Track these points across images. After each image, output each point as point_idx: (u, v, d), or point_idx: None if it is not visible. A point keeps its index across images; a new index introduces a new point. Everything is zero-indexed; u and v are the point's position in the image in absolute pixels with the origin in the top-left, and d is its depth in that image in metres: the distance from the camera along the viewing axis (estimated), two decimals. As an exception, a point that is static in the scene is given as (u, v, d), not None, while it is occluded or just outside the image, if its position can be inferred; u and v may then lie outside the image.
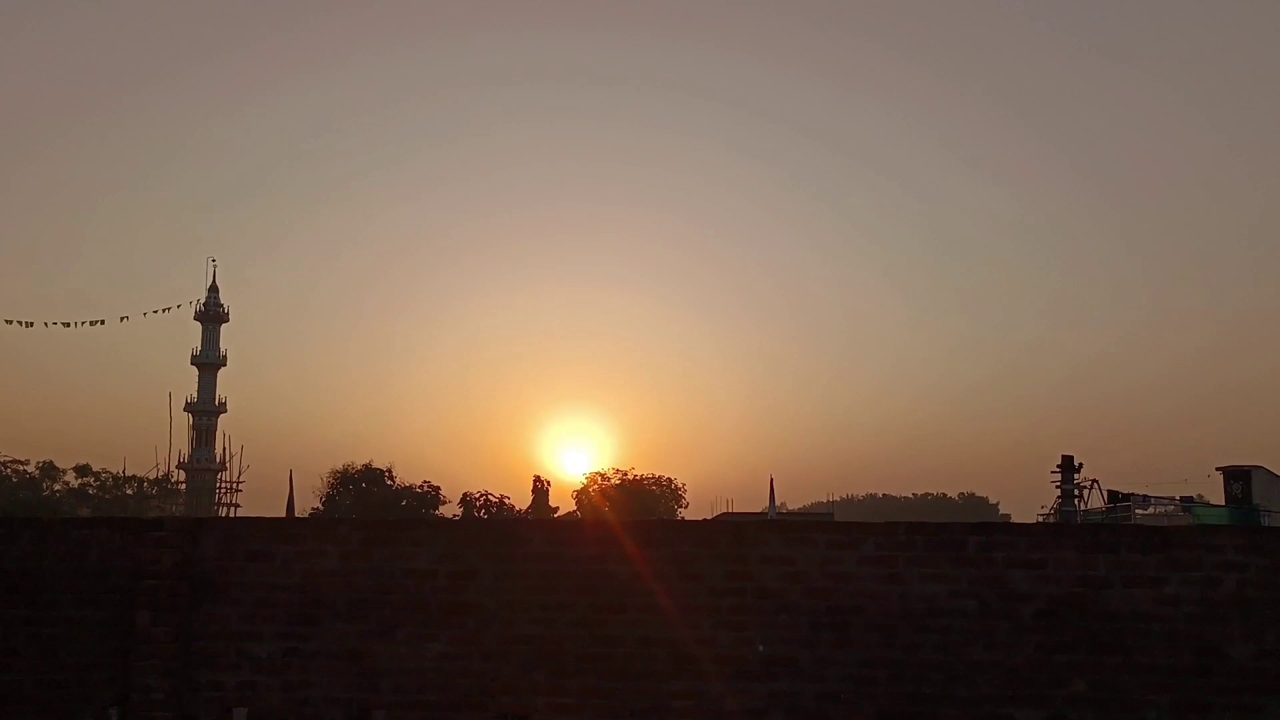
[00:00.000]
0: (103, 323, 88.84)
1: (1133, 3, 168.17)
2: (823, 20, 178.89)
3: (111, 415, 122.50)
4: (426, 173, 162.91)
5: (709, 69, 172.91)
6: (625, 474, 70.04)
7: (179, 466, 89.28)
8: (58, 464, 72.67)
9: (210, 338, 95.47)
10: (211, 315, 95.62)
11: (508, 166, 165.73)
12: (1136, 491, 48.38)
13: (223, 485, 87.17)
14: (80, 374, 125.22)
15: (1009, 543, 7.04)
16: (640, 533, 7.43)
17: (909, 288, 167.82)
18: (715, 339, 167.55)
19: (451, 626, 7.18)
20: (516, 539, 7.42)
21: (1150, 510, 47.51)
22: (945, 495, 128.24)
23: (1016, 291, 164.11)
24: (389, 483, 69.63)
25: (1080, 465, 50.80)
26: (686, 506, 71.14)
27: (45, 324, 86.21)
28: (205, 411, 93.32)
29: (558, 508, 71.19)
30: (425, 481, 70.34)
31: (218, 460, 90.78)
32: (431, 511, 67.27)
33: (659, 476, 71.80)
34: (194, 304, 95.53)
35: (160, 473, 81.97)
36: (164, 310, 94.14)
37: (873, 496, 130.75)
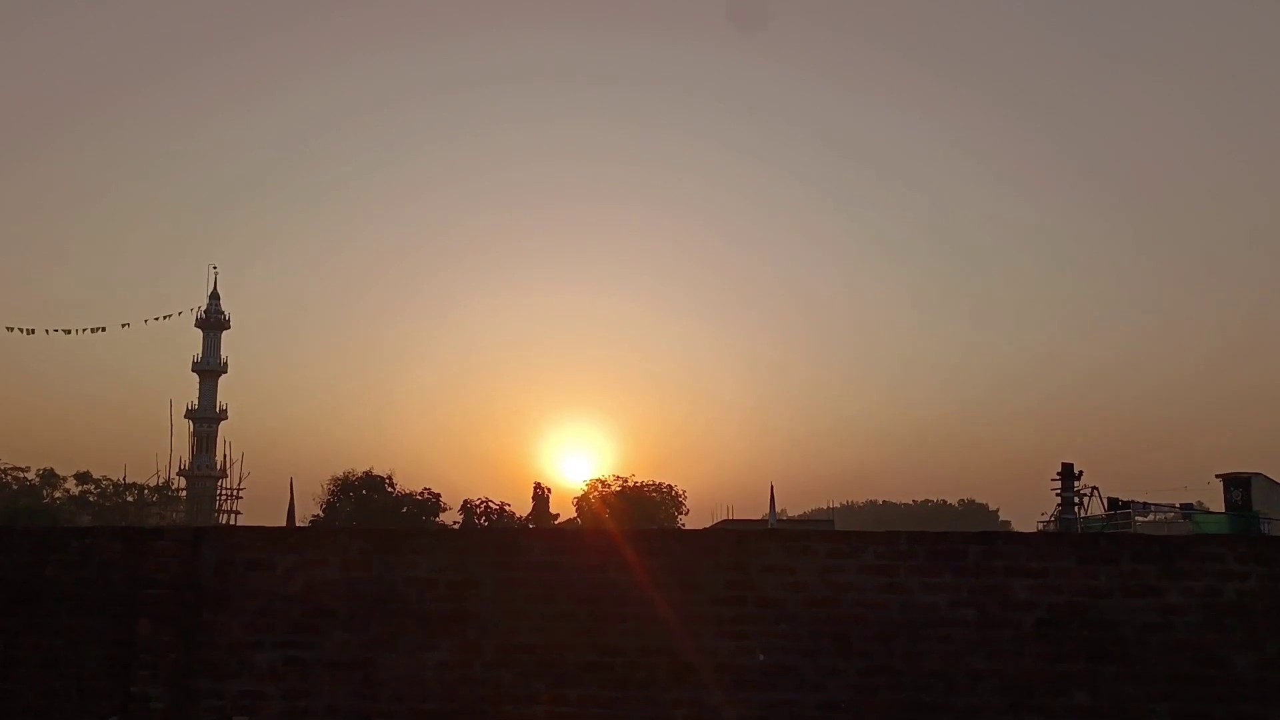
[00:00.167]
0: (104, 330, 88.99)
1: (1148, 9, 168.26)
2: (830, 21, 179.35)
3: (112, 422, 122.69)
4: (426, 175, 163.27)
5: (713, 69, 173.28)
6: (626, 481, 70.04)
7: (180, 474, 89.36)
8: (58, 471, 72.74)
9: (211, 345, 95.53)
10: (212, 322, 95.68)
11: (508, 168, 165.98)
12: (1136, 499, 48.44)
13: (223, 492, 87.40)
14: (81, 381, 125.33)
15: (1010, 552, 7.04)
16: (641, 542, 7.43)
17: (910, 294, 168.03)
18: (716, 344, 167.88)
19: (452, 636, 7.18)
20: (517, 548, 7.43)
21: (1150, 517, 47.56)
22: (945, 502, 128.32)
23: (1017, 300, 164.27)
24: (389, 490, 69.66)
25: (1080, 473, 50.91)
26: (687, 513, 71.21)
27: (46, 331, 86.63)
28: (206, 419, 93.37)
29: (558, 514, 71.22)
30: (426, 488, 70.42)
31: (218, 467, 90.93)
32: (432, 519, 67.30)
33: (659, 483, 71.86)
34: (195, 311, 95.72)
35: (161, 480, 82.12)
36: (165, 317, 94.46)
37: (873, 503, 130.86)
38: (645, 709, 7.01)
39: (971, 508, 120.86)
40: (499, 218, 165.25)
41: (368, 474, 70.22)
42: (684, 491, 72.64)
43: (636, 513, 62.37)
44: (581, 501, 69.99)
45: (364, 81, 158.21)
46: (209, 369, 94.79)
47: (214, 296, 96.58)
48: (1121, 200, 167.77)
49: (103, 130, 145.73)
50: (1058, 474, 51.05)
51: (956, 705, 6.90)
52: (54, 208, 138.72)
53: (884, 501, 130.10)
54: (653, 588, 7.12)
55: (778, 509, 57.69)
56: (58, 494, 71.89)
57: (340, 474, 70.22)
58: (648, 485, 70.60)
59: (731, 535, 7.37)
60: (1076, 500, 50.35)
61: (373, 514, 65.09)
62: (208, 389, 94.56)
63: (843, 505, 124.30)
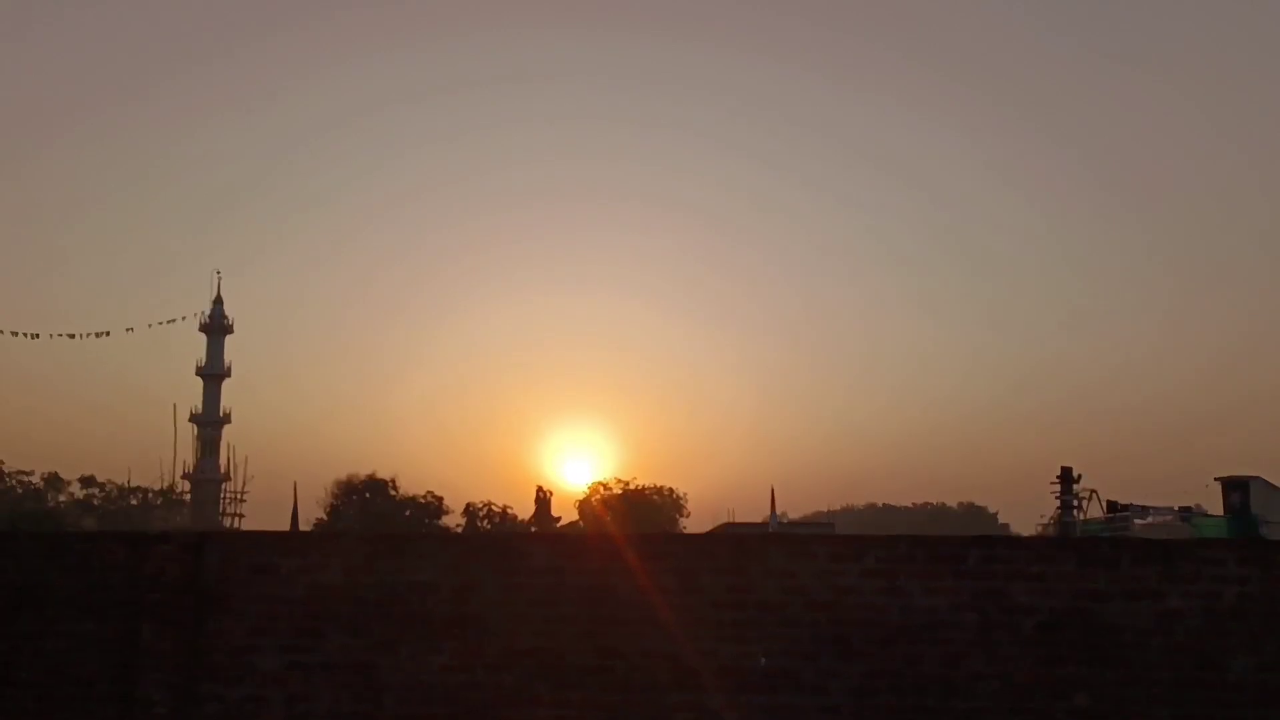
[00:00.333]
0: (108, 334, 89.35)
1: (1161, 13, 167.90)
2: (839, 23, 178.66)
3: (116, 426, 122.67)
4: (427, 177, 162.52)
5: (718, 70, 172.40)
6: (627, 484, 70.17)
7: (184, 477, 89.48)
8: (63, 475, 72.93)
9: (215, 349, 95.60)
10: (216, 327, 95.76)
11: (509, 169, 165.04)
12: (1135, 502, 48.45)
13: (227, 496, 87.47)
14: (85, 385, 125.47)
15: (1010, 556, 7.07)
16: (642, 546, 7.45)
17: (912, 298, 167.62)
18: (717, 347, 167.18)
19: (454, 639, 7.20)
20: (519, 552, 7.45)
21: (1149, 520, 47.54)
22: (945, 505, 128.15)
23: (1016, 305, 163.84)
24: (392, 493, 69.81)
25: (1079, 476, 50.95)
26: (688, 516, 71.39)
27: (50, 336, 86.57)
28: (210, 423, 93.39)
29: (560, 517, 71.38)
30: (428, 492, 70.65)
31: (222, 471, 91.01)
32: (434, 521, 67.41)
33: (661, 486, 71.98)
34: (199, 315, 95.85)
35: (165, 484, 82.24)
36: (169, 322, 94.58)
37: (873, 506, 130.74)
38: (647, 712, 7.03)
39: (971, 511, 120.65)
40: (500, 219, 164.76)
41: (371, 477, 70.41)
42: (685, 494, 72.94)
43: (638, 516, 62.46)
44: (583, 504, 70.17)
45: (364, 83, 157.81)
46: (213, 373, 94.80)
47: (217, 301, 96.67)
48: (1120, 205, 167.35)
49: (105, 135, 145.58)
50: (1057, 477, 51.09)
51: (957, 709, 6.92)
52: (57, 213, 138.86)
53: (884, 504, 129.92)
54: (654, 591, 7.14)
55: (778, 512, 57.73)
56: (62, 498, 72.12)
57: (343, 477, 70.51)
58: (649, 488, 70.77)
59: (733, 539, 7.40)
60: (1075, 504, 50.39)
61: (376, 517, 65.19)
62: (211, 393, 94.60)
63: (843, 508, 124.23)
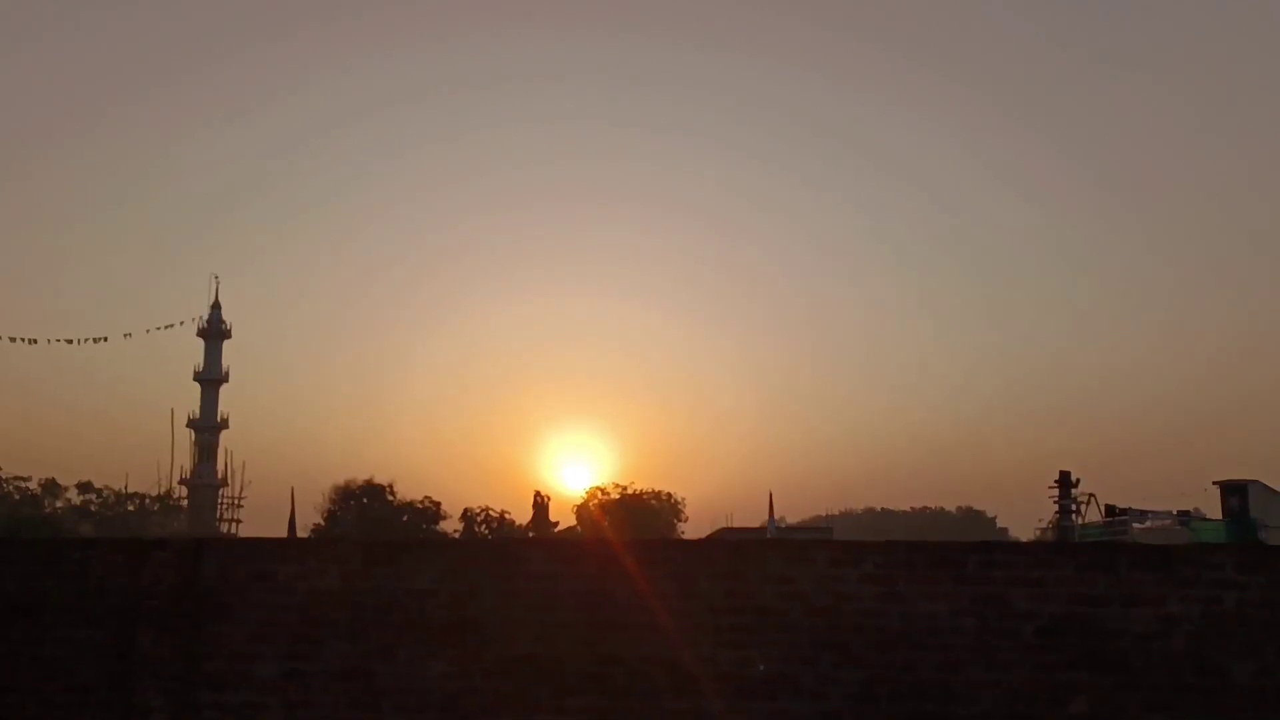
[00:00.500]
0: (105, 340, 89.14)
1: (1161, 14, 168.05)
2: (839, 23, 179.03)
3: (113, 432, 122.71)
4: (427, 179, 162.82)
5: (718, 70, 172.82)
6: (625, 489, 70.13)
7: (181, 483, 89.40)
8: (60, 481, 72.87)
9: (213, 354, 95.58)
10: (214, 332, 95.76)
11: (508, 170, 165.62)
12: (1133, 506, 48.43)
13: (225, 501, 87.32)
14: (83, 391, 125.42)
15: (1009, 561, 7.06)
16: (640, 551, 7.44)
17: (911, 301, 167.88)
18: (716, 351, 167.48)
19: (453, 645, 7.19)
20: (517, 558, 7.44)
21: (1147, 524, 47.47)
22: (943, 509, 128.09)
23: (1016, 308, 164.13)
24: (390, 498, 69.76)
25: (1078, 480, 50.98)
26: (686, 521, 71.34)
27: (48, 341, 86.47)
28: (207, 428, 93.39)
29: (558, 522, 71.34)
30: (426, 497, 70.58)
31: (220, 477, 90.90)
32: (432, 527, 67.37)
33: (659, 491, 71.94)
34: (196, 320, 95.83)
35: (162, 489, 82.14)
36: (166, 327, 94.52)
37: (871, 511, 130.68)
38: (645, 718, 7.02)
39: (969, 515, 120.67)
40: (499, 220, 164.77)
41: (368, 483, 70.36)
42: (683, 499, 72.89)
43: (636, 520, 62.42)
44: (581, 509, 70.09)
45: (364, 83, 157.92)
46: (210, 378, 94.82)
47: (215, 306, 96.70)
48: (1120, 206, 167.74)
49: (102, 139, 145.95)
50: (1055, 481, 51.11)
51: (956, 715, 6.91)
52: (55, 218, 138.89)
53: (882, 509, 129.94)
54: (652, 597, 7.13)
55: (777, 516, 57.69)
56: (59, 503, 72.05)
57: (341, 483, 70.42)
58: (647, 493, 70.72)
59: (731, 544, 7.40)
60: (1074, 508, 50.40)
61: (373, 523, 65.13)
62: (209, 398, 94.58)
63: (842, 512, 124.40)
